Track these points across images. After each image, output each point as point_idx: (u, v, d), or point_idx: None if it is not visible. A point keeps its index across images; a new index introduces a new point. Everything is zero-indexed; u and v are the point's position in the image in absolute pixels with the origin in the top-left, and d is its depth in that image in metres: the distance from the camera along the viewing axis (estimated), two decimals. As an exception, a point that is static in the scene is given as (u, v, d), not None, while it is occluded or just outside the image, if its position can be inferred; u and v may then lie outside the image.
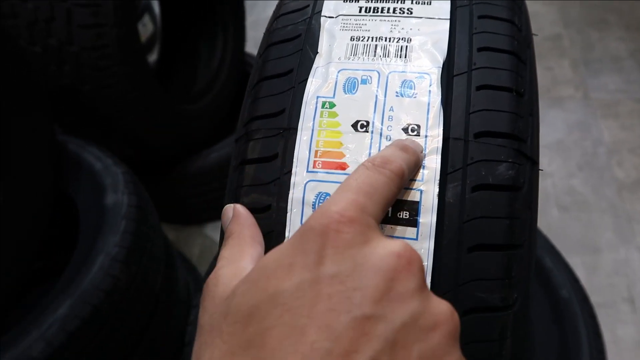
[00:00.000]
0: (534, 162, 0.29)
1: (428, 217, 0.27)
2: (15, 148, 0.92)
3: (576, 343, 0.70)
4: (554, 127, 1.72)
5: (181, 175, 1.39)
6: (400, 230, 0.27)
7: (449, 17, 0.32)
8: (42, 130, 0.98)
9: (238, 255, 0.27)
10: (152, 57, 1.90)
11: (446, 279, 0.27)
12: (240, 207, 0.30)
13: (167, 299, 1.04)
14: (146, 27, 2.21)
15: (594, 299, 1.26)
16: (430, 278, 0.26)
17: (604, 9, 2.15)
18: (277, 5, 0.37)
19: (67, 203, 1.00)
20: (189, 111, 1.37)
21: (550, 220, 1.46)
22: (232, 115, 1.68)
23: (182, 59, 1.64)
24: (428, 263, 0.27)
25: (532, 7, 1.80)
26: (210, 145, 1.43)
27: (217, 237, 1.54)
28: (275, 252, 0.23)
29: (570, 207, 1.49)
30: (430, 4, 0.32)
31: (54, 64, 1.04)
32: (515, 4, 0.33)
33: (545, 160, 1.59)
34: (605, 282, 1.33)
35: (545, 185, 1.54)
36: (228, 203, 0.32)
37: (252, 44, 2.03)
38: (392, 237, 0.27)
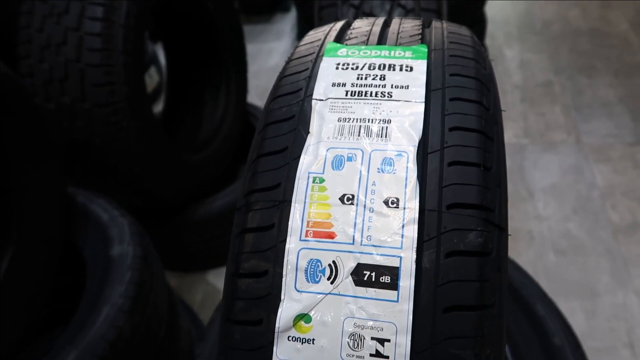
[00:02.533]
0: (502, 228, 0.33)
1: (407, 281, 0.30)
2: (29, 199, 0.96)
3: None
4: (548, 171, 1.76)
5: (185, 222, 1.43)
6: (382, 293, 0.30)
7: (424, 100, 0.36)
8: (54, 183, 1.03)
9: None
10: (158, 107, 1.97)
11: (424, 338, 0.30)
12: None
13: (169, 347, 1.05)
14: (152, 78, 2.31)
15: (594, 344, 1.27)
16: (410, 337, 0.30)
17: (592, 56, 2.24)
18: (274, 86, 0.42)
19: (75, 253, 1.04)
20: (194, 161, 1.42)
21: (547, 264, 1.48)
22: (235, 163, 1.74)
23: (188, 109, 1.70)
24: (408, 323, 0.30)
25: (523, 55, 1.88)
26: (213, 193, 1.47)
27: (219, 284, 1.56)
28: None
29: (567, 251, 1.52)
30: (407, 87, 0.37)
31: (67, 120, 1.10)
32: (483, 85, 0.38)
33: (540, 204, 1.63)
34: (605, 326, 1.34)
35: (542, 229, 1.56)
36: (229, 268, 0.35)
37: (254, 93, 2.11)
38: (375, 299, 0.30)
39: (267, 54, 2.60)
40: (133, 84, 1.12)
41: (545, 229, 1.56)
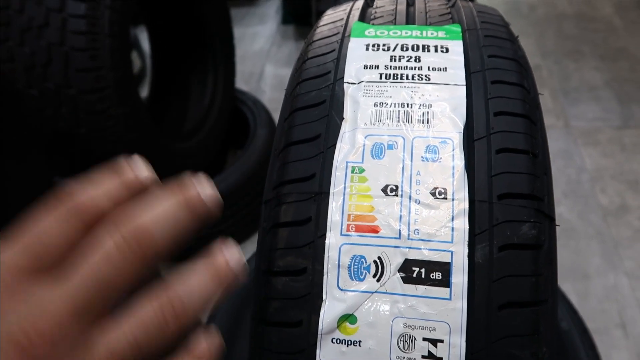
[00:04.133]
0: (551, 219, 0.31)
1: (460, 278, 0.28)
2: (11, 192, 0.92)
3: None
4: (538, 155, 1.76)
5: (175, 212, 1.39)
6: (433, 290, 0.28)
7: (464, 83, 0.34)
8: (38, 174, 0.98)
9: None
10: (141, 94, 1.91)
11: (479, 337, 0.28)
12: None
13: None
14: (133, 64, 2.23)
15: (587, 325, 1.29)
16: (465, 337, 0.28)
17: (579, 40, 2.25)
18: (297, 69, 0.39)
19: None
20: (183, 149, 1.38)
21: (540, 247, 1.49)
22: (225, 152, 1.70)
23: (173, 96, 1.65)
24: (462, 322, 0.28)
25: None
26: (203, 181, 1.43)
27: (210, 273, 1.53)
28: None
29: (559, 235, 1.52)
30: (445, 70, 0.35)
31: (50, 107, 1.05)
32: (522, 67, 0.36)
33: (532, 189, 1.64)
34: (597, 308, 1.36)
35: (534, 213, 1.57)
36: (261, 265, 0.33)
37: (240, 78, 2.07)
38: (426, 297, 0.28)
39: (251, 38, 2.54)
40: (120, 69, 1.07)
41: (537, 212, 1.57)
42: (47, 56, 1.02)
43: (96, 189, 0.22)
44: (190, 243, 0.99)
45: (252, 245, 1.58)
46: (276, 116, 1.77)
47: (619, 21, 2.32)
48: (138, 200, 0.23)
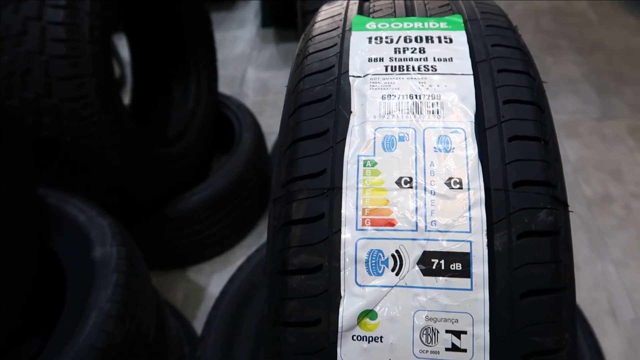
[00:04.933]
0: (566, 205, 0.31)
1: (480, 267, 0.28)
2: (-5, 204, 0.89)
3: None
4: (522, 149, 1.79)
5: (162, 219, 1.37)
6: (454, 281, 0.28)
7: (471, 72, 0.33)
8: (22, 185, 0.95)
9: None
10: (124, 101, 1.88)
11: (502, 327, 0.28)
12: None
13: (160, 350, 1.01)
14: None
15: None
16: (488, 327, 0.27)
17: (556, 35, 2.28)
18: (297, 65, 0.38)
19: (52, 258, 0.97)
20: (168, 154, 1.35)
21: (529, 239, 1.50)
22: (211, 156, 1.68)
23: (156, 102, 1.63)
24: (485, 312, 0.28)
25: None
26: (190, 187, 1.41)
27: (200, 281, 1.51)
28: None
29: (546, 226, 1.54)
30: (452, 60, 0.34)
31: (31, 117, 1.02)
32: (526, 56, 0.36)
33: (517, 182, 1.65)
34: (587, 297, 1.37)
35: (521, 206, 1.59)
36: (272, 265, 0.32)
37: (222, 83, 2.04)
38: (446, 289, 0.28)
39: (231, 42, 2.52)
40: (102, 76, 1.05)
41: (524, 205, 1.59)
42: (27, 65, 0.99)
43: None
44: (178, 249, 0.96)
45: (241, 250, 1.57)
46: (261, 119, 1.75)
47: (593, 15, 2.37)
48: None
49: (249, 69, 2.31)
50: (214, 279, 1.48)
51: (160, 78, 1.62)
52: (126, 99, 1.76)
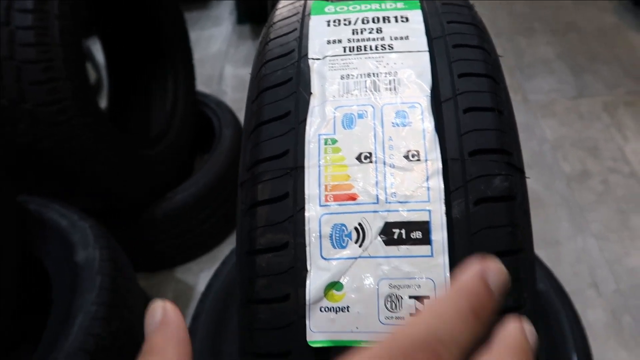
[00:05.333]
0: (522, 171, 0.32)
1: (439, 234, 0.29)
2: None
3: (560, 330, 0.74)
4: (500, 131, 1.81)
5: (147, 220, 1.37)
6: (415, 249, 0.29)
7: (427, 49, 0.34)
8: (1, 193, 0.95)
9: None
10: (100, 105, 1.87)
11: (464, 290, 0.29)
12: (171, 312, 0.25)
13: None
14: (89, 75, 2.18)
15: (563, 289, 1.33)
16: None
17: (529, 17, 2.31)
18: (259, 52, 0.39)
19: (36, 264, 0.97)
20: (150, 155, 1.35)
21: (511, 219, 1.53)
22: (194, 155, 1.68)
23: (134, 103, 1.62)
24: (445, 277, 0.29)
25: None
26: (174, 187, 1.41)
27: (189, 280, 1.51)
28: None
29: (528, 205, 1.57)
30: (408, 38, 0.35)
31: (7, 124, 1.01)
32: (481, 31, 0.37)
33: (498, 164, 1.68)
34: (570, 271, 1.40)
35: (502, 187, 1.61)
36: (241, 247, 0.33)
37: (200, 81, 2.04)
38: (408, 257, 0.29)
39: (207, 40, 2.51)
40: (77, 78, 1.04)
41: (505, 186, 1.61)
42: (-3, 71, 0.98)
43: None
44: (164, 249, 0.96)
45: (228, 247, 1.57)
46: (240, 116, 1.75)
47: (565, -4, 2.40)
48: None
49: (227, 66, 2.30)
50: (203, 277, 1.48)
51: (137, 80, 1.62)
52: (104, 102, 1.75)
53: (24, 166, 1.07)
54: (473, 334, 0.21)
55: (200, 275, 1.50)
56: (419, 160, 0.30)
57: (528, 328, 0.22)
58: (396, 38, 0.35)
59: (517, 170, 0.32)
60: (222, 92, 2.13)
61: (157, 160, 1.36)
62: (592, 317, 1.32)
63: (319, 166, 0.31)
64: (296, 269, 0.30)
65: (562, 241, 1.49)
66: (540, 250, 1.44)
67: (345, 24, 0.37)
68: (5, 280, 0.92)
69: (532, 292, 0.30)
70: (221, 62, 2.35)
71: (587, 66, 2.02)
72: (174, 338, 0.24)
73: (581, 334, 0.72)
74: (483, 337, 0.21)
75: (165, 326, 0.24)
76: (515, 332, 0.22)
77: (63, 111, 1.00)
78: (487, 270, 0.22)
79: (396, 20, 0.36)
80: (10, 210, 0.95)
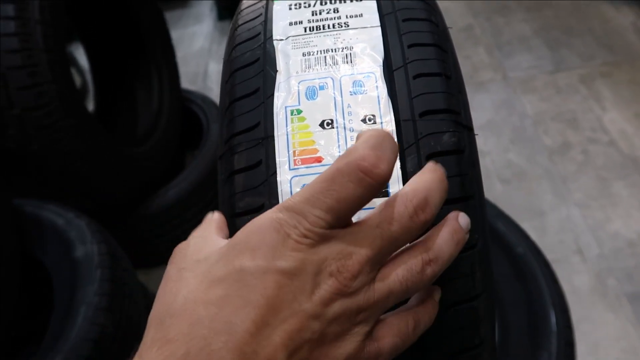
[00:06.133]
0: (469, 129, 0.36)
1: (396, 187, 0.33)
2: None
3: (539, 293, 0.78)
4: (482, 109, 1.85)
5: (142, 217, 1.40)
6: (374, 201, 0.33)
7: (379, 24, 0.38)
8: (-4, 198, 0.98)
9: (208, 233, 0.34)
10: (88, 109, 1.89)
11: (419, 234, 0.32)
12: (211, 214, 0.36)
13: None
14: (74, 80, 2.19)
15: (548, 256, 1.37)
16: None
17: (505, -4, 2.35)
18: (230, 37, 0.42)
19: (35, 265, 1.00)
20: (139, 153, 1.38)
21: (495, 193, 1.57)
22: (181, 151, 1.70)
23: (121, 105, 1.65)
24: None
25: (442, 3, 1.94)
26: (165, 184, 1.44)
27: (187, 273, 1.55)
28: (246, 232, 0.28)
29: (511, 179, 1.62)
30: (362, 16, 0.39)
31: (-4, 130, 1.04)
32: (429, 6, 0.40)
33: (481, 140, 1.72)
34: (555, 239, 1.45)
35: (485, 162, 1.66)
36: (224, 212, 0.36)
37: (185, 79, 2.06)
38: (369, 208, 0.33)
39: (190, 38, 2.53)
40: (62, 81, 1.07)
41: (488, 162, 1.66)
42: (-16, 79, 1.01)
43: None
44: (160, 245, 1.00)
45: (224, 239, 1.60)
46: (227, 110, 1.78)
47: (539, -27, 2.43)
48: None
49: (211, 62, 2.32)
50: (200, 269, 1.52)
51: (121, 81, 1.64)
52: (90, 106, 1.78)
53: (14, 170, 1.10)
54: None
55: (197, 267, 1.53)
56: (374, 123, 0.34)
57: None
58: (351, 16, 0.39)
59: (464, 128, 0.35)
60: (208, 88, 2.16)
61: (145, 158, 1.39)
62: (578, 282, 1.37)
63: (287, 134, 0.34)
64: (272, 227, 0.34)
65: (546, 212, 1.54)
66: (526, 222, 1.49)
67: (305, 7, 0.40)
68: (7, 284, 0.95)
69: (483, 233, 0.34)
70: (205, 59, 2.38)
71: (562, 40, 2.07)
72: (215, 221, 0.35)
73: (559, 292, 0.76)
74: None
75: (208, 218, 0.36)
76: (431, 163, 0.31)
77: (50, 114, 1.03)
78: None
79: (351, 0, 0.40)
80: (7, 214, 0.98)
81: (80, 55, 1.94)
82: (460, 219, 0.31)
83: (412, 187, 0.29)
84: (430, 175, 0.29)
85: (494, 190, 1.58)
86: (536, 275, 0.77)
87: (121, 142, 1.34)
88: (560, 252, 1.43)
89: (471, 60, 2.07)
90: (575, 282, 1.37)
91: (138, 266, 1.53)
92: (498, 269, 0.80)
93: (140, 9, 1.52)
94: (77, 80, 2.21)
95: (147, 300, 1.09)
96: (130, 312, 0.94)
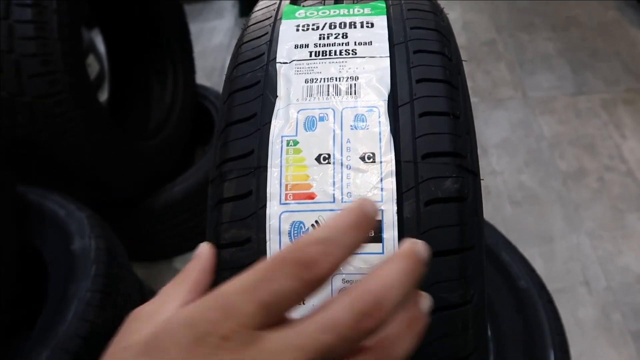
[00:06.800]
0: (475, 174, 0.34)
1: (390, 233, 0.31)
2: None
3: (539, 329, 0.76)
4: (499, 126, 1.82)
5: (146, 211, 1.39)
6: (367, 247, 0.31)
7: (388, 54, 0.36)
8: (1, 184, 0.97)
9: (172, 297, 0.30)
10: (102, 97, 1.89)
11: (412, 285, 0.30)
12: (205, 249, 0.32)
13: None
14: (91, 67, 2.20)
15: (554, 285, 1.35)
16: (398, 285, 0.30)
17: (530, 12, 2.30)
18: (233, 55, 0.41)
19: (34, 253, 0.99)
20: (148, 147, 1.37)
21: (505, 215, 1.54)
22: (191, 147, 1.70)
23: (134, 96, 1.64)
24: (395, 273, 0.30)
25: (465, 16, 1.92)
26: (172, 178, 1.44)
27: (187, 270, 1.54)
28: (163, 329, 0.25)
29: (522, 202, 1.58)
30: (371, 44, 0.37)
31: (6, 116, 1.04)
32: (443, 36, 0.38)
33: (494, 159, 1.69)
34: (562, 268, 1.42)
35: (497, 182, 1.62)
36: (210, 241, 0.35)
37: (201, 74, 2.06)
38: (360, 254, 0.31)
39: (209, 33, 2.52)
40: (75, 72, 1.07)
41: (500, 182, 1.62)
42: (-3, 64, 1.00)
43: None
44: (163, 240, 0.99)
45: (226, 239, 1.60)
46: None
47: (568, -9, 2.39)
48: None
49: (228, 59, 2.31)
50: (200, 267, 1.51)
51: (136, 73, 1.64)
52: (104, 95, 1.78)
53: (22, 158, 1.10)
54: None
55: (197, 266, 1.52)
56: (374, 162, 0.32)
57: (422, 245, 0.26)
58: (360, 43, 0.37)
59: (469, 173, 0.33)
60: (223, 85, 2.15)
61: (154, 152, 1.39)
62: (583, 314, 1.34)
63: (281, 166, 0.33)
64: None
65: (556, 238, 1.50)
66: (534, 247, 1.46)
67: (313, 29, 0.38)
68: (5, 268, 0.95)
69: (480, 289, 0.32)
70: (223, 54, 2.37)
71: (587, 62, 2.02)
72: (198, 267, 0.32)
73: (560, 331, 0.74)
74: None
75: (197, 257, 0.33)
76: (409, 244, 0.26)
77: (60, 103, 1.03)
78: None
79: (362, 26, 0.38)
80: (9, 200, 0.98)
81: (101, 43, 1.94)
82: (421, 302, 0.27)
83: (364, 286, 0.24)
84: (396, 266, 0.24)
85: (503, 212, 1.55)
86: (538, 311, 0.74)
87: (131, 135, 1.34)
88: (567, 282, 1.39)
89: (491, 75, 2.03)
90: (579, 313, 1.34)
91: (139, 260, 1.53)
92: (499, 301, 0.77)
93: (160, 3, 1.51)
94: (96, 66, 2.22)
95: (142, 296, 1.08)
96: (123, 310, 0.93)
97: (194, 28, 1.74)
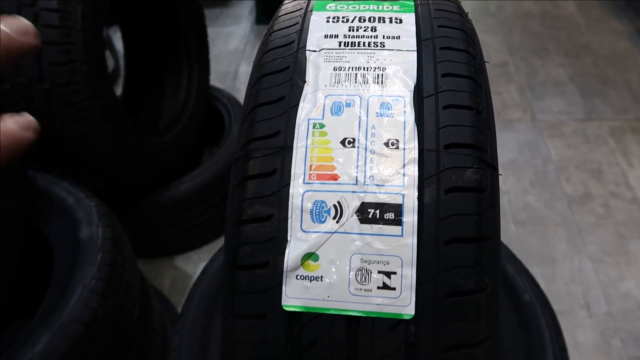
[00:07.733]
0: (494, 168, 0.35)
1: (410, 217, 0.32)
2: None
3: (541, 343, 0.76)
4: (506, 147, 1.83)
5: (151, 207, 1.40)
6: (387, 229, 0.32)
7: (415, 49, 0.37)
8: (12, 167, 0.98)
9: None
10: (116, 92, 1.91)
11: (428, 269, 0.31)
12: None
13: (143, 330, 1.04)
14: (107, 62, 2.23)
15: (554, 306, 1.34)
16: (415, 269, 0.31)
17: (544, 37, 2.33)
18: (263, 42, 0.42)
19: (41, 239, 1.00)
20: (158, 144, 1.39)
21: (509, 235, 1.54)
22: (200, 146, 1.71)
23: (148, 93, 1.66)
24: (412, 256, 0.31)
25: (479, 37, 1.93)
26: (179, 176, 1.45)
27: (188, 269, 1.54)
28: None
29: (526, 222, 1.59)
30: (399, 38, 0.38)
31: (23, 101, 1.05)
32: (469, 36, 0.39)
33: (500, 179, 1.69)
34: (563, 290, 1.42)
35: (502, 202, 1.63)
36: (230, 218, 0.35)
37: (215, 77, 2.08)
38: (380, 235, 0.31)
39: (225, 37, 2.56)
40: (94, 63, 1.08)
41: (505, 202, 1.63)
42: (20, 50, 1.02)
43: None
44: (166, 237, 0.99)
45: (229, 240, 1.60)
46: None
47: (581, 19, 2.41)
48: None
49: (242, 64, 2.34)
50: (201, 266, 1.51)
51: (152, 70, 1.66)
52: (118, 91, 1.80)
53: (35, 144, 1.11)
54: None
55: (199, 264, 1.53)
56: (397, 148, 0.33)
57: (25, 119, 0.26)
58: (388, 37, 0.38)
59: (489, 166, 0.34)
60: (236, 89, 2.17)
61: (163, 149, 1.40)
62: (582, 337, 1.33)
63: (306, 147, 0.33)
64: (277, 239, 0.33)
65: (558, 260, 1.50)
66: (536, 268, 1.46)
67: (343, 21, 0.39)
68: (11, 252, 0.96)
69: (494, 278, 0.33)
70: (237, 59, 2.39)
71: (597, 89, 2.04)
72: None
73: (562, 346, 0.74)
74: None
75: None
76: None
77: (77, 92, 1.04)
78: None
79: (390, 21, 0.39)
80: (19, 185, 0.99)
81: (117, 40, 1.97)
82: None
83: None
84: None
85: (507, 231, 1.55)
86: (540, 325, 0.74)
87: (142, 131, 1.35)
88: (567, 304, 1.39)
89: (502, 96, 2.05)
90: (578, 336, 1.33)
91: (140, 255, 1.54)
92: (502, 314, 0.77)
93: (181, 3, 1.53)
94: (111, 63, 2.25)
95: (143, 290, 1.08)
96: (124, 299, 0.93)
97: (210, 32, 1.76)
